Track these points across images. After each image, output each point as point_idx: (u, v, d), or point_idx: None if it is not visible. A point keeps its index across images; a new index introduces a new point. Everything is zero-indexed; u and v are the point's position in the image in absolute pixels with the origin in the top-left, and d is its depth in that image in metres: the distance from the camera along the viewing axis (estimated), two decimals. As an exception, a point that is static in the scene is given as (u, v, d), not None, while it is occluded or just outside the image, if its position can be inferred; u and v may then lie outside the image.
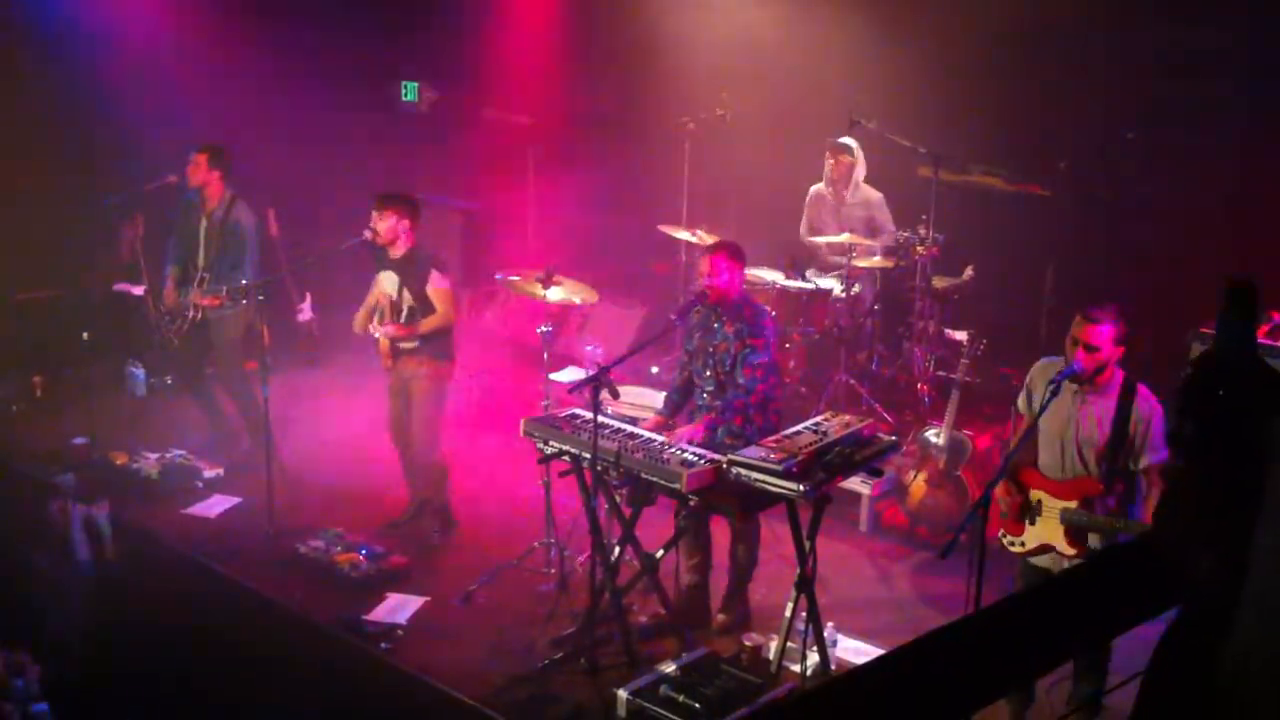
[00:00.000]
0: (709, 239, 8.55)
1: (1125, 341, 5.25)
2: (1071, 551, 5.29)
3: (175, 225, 8.37)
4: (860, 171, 8.91)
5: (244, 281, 7.88)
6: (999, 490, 5.41)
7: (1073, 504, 5.29)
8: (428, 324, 7.19)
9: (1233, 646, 1.87)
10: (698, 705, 5.43)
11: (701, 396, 6.50)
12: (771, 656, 5.95)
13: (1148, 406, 5.26)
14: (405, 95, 11.80)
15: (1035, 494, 5.39)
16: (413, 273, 7.21)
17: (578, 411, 6.24)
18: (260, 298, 7.64)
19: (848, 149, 8.85)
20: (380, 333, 7.23)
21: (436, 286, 7.21)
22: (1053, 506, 5.34)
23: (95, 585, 6.35)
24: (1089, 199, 8.83)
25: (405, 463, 7.61)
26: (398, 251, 7.24)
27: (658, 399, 7.15)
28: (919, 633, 2.37)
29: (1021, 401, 5.64)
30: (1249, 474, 1.93)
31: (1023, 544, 5.42)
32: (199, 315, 8.16)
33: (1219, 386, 2.07)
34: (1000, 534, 5.52)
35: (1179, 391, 2.18)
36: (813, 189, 9.11)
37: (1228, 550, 1.91)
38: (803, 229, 9.14)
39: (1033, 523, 5.38)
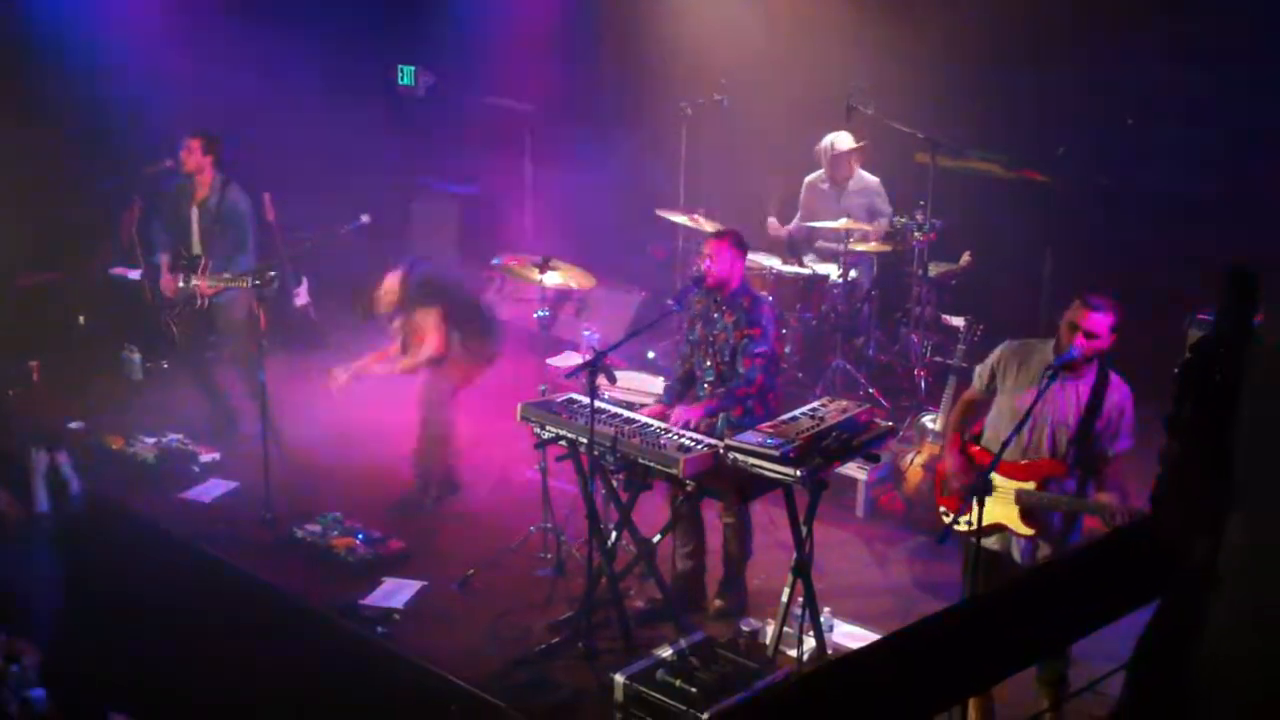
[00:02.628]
0: (706, 224, 8.54)
1: (1118, 331, 5.26)
2: (1029, 531, 5.29)
3: (163, 211, 8.36)
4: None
5: (249, 266, 7.88)
6: (952, 467, 5.42)
7: (1030, 485, 5.28)
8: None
9: (1210, 638, 1.87)
10: (694, 690, 5.44)
11: (702, 387, 6.51)
12: (768, 641, 5.97)
13: (1121, 393, 5.28)
14: (402, 79, 11.77)
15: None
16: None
17: (575, 396, 6.24)
18: (256, 282, 7.63)
19: (859, 150, 8.82)
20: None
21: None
22: (1006, 486, 5.29)
23: (57, 538, 6.27)
24: (1088, 185, 8.83)
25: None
26: None
27: (655, 384, 7.16)
28: (915, 617, 2.37)
29: (979, 377, 5.60)
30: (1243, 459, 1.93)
31: (969, 523, 5.35)
32: (204, 303, 8.16)
33: (1216, 371, 2.07)
34: (941, 510, 5.51)
35: (1176, 376, 2.17)
36: (808, 178, 9.09)
37: (1223, 535, 1.91)
38: (797, 218, 9.12)
39: (981, 503, 5.20)
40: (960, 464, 5.49)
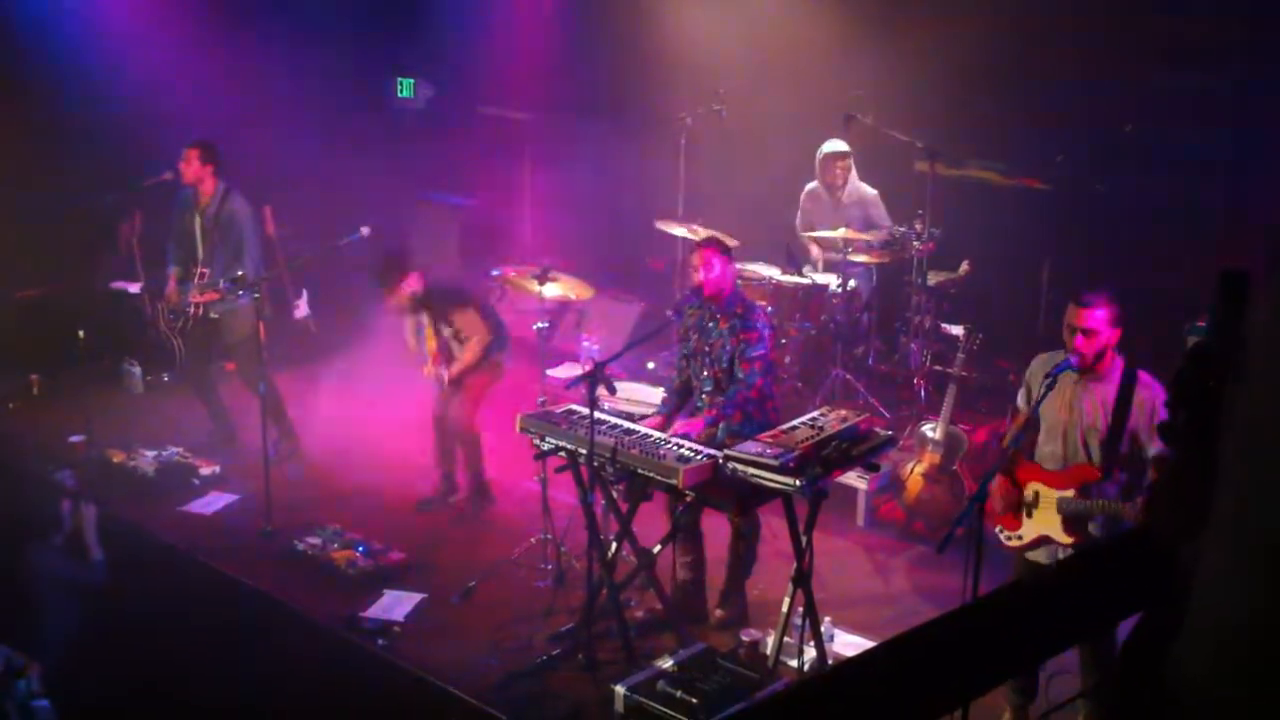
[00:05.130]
0: (705, 234, 8.54)
1: (1121, 323, 5.24)
2: (1069, 540, 5.29)
3: (172, 225, 8.38)
4: (853, 170, 8.90)
5: (240, 273, 7.88)
6: (994, 485, 5.41)
7: (1070, 493, 5.29)
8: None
9: (1181, 655, 1.86)
10: (695, 700, 5.43)
11: (700, 398, 6.51)
12: (769, 651, 5.95)
13: (1151, 392, 5.24)
14: (401, 91, 11.80)
15: (1032, 486, 5.37)
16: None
17: (574, 407, 6.23)
18: (255, 295, 7.64)
19: (845, 154, 8.84)
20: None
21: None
22: (1049, 497, 5.33)
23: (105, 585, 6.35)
24: (1086, 193, 8.83)
25: (439, 436, 7.77)
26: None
27: (654, 394, 7.16)
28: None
29: (1020, 398, 5.64)
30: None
31: (1019, 537, 5.41)
32: (200, 312, 8.16)
33: (1211, 379, 2.07)
34: (997, 528, 5.51)
35: (1171, 384, 2.17)
36: (808, 187, 9.10)
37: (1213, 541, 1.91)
38: (798, 225, 9.14)
39: (1030, 515, 5.38)
40: (1002, 483, 5.48)
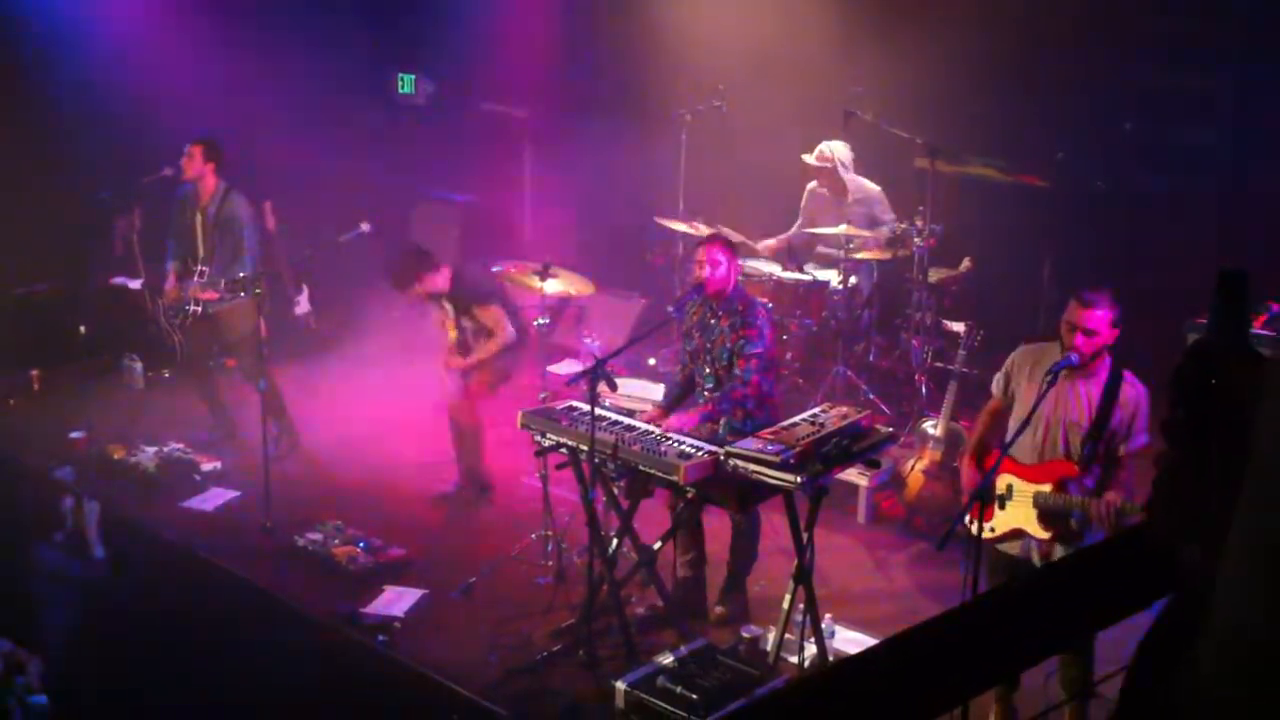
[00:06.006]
0: (706, 230, 8.54)
1: (1120, 324, 5.25)
2: (1045, 535, 5.27)
3: (172, 221, 8.39)
4: (848, 158, 8.83)
5: (243, 274, 7.88)
6: (966, 477, 5.41)
7: (1047, 487, 5.28)
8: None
9: (1198, 660, 1.87)
10: (695, 696, 5.44)
11: (702, 394, 6.52)
12: (769, 648, 5.96)
13: (1134, 391, 5.25)
14: (402, 88, 11.79)
15: (1005, 479, 5.34)
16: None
17: (575, 404, 6.24)
18: (257, 291, 7.64)
19: (822, 168, 8.79)
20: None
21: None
22: (1024, 490, 5.30)
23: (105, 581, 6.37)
24: (1086, 190, 8.83)
25: (456, 432, 7.77)
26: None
27: (655, 391, 7.16)
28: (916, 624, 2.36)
29: (997, 384, 5.60)
30: (1240, 465, 1.93)
31: (992, 529, 5.37)
32: (199, 310, 8.17)
33: (1211, 376, 2.07)
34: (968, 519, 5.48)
35: (1170, 380, 2.18)
36: (810, 186, 9.08)
37: (1217, 543, 1.91)
38: (797, 225, 9.11)
39: (1002, 507, 5.33)
40: (974, 474, 5.48)
